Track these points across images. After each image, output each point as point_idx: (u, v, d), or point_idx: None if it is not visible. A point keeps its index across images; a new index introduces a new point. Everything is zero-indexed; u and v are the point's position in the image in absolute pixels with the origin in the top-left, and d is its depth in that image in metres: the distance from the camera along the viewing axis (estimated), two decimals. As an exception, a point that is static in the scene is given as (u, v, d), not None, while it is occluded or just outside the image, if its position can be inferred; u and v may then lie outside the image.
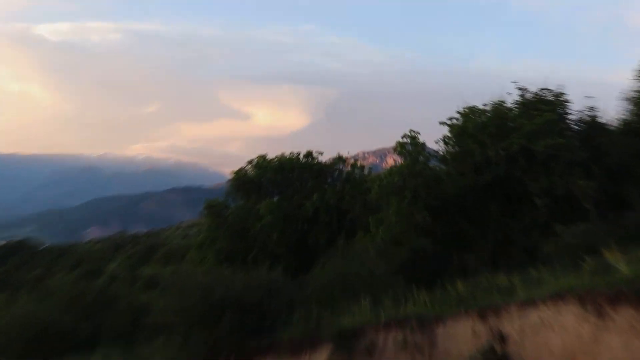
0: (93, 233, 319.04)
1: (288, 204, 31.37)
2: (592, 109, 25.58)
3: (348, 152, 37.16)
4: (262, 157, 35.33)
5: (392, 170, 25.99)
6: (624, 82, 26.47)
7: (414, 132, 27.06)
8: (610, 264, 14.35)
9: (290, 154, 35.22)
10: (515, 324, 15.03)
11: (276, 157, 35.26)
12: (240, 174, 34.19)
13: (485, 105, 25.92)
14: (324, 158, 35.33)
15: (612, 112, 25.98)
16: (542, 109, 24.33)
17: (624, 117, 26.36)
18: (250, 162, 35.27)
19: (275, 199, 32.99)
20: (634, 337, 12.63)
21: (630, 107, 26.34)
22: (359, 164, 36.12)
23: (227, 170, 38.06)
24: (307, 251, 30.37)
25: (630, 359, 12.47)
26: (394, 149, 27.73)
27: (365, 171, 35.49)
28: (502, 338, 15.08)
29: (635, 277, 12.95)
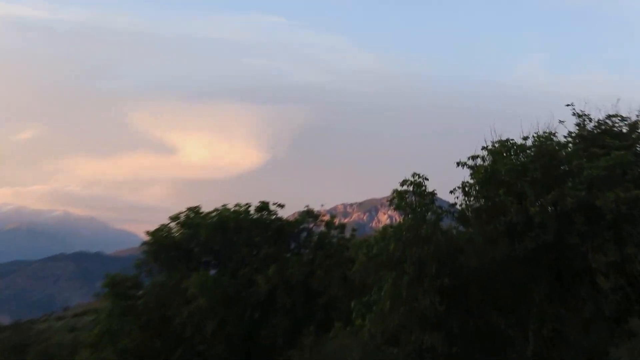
0: None
1: (231, 279, 31.15)
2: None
3: (322, 205, 37.49)
4: (194, 211, 35.25)
5: (387, 233, 25.91)
6: None
7: (419, 176, 27.16)
8: None
9: (237, 206, 35.23)
10: None
11: (215, 210, 35.20)
12: (159, 236, 34.03)
13: (525, 138, 26.24)
14: (287, 213, 35.49)
15: None
16: (611, 146, 24.65)
17: None
18: (175, 217, 35.16)
19: (212, 272, 32.82)
20: None
21: None
22: (337, 222, 36.25)
23: (140, 230, 37.81)
24: (258, 351, 30.07)
25: None
26: (390, 201, 27.75)
27: (347, 233, 35.59)
28: None
29: None
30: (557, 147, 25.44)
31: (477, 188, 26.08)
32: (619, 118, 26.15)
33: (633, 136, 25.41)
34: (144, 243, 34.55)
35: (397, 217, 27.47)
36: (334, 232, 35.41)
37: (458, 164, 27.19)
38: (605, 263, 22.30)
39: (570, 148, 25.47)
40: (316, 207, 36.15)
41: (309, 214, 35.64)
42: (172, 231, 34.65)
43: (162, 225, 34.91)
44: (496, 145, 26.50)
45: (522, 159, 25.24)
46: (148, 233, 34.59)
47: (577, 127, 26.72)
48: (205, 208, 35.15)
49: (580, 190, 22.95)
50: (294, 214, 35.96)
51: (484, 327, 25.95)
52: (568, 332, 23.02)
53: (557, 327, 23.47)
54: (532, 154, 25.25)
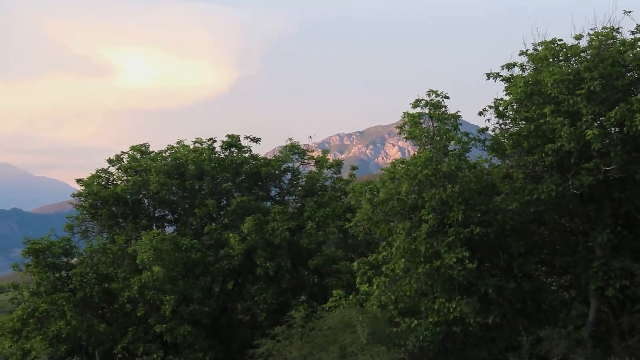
0: None
1: (194, 240, 31.19)
2: None
3: (311, 138, 37.37)
4: (141, 151, 35.11)
5: (397, 171, 26.01)
6: None
7: (436, 94, 26.98)
8: None
9: (197, 142, 35.10)
10: None
11: (169, 148, 35.08)
12: (96, 185, 33.92)
13: (578, 37, 25.92)
14: (264, 149, 35.53)
15: None
16: None
17: None
18: (116, 160, 35.04)
19: (169, 230, 32.85)
20: None
21: None
22: (331, 159, 36.23)
23: (69, 178, 37.81)
24: (233, 332, 30.25)
25: None
26: (400, 128, 27.73)
27: (345, 173, 35.64)
28: None
29: None
30: (621, 48, 25.15)
31: (514, 107, 25.88)
32: None
33: None
34: (76, 195, 34.47)
35: (411, 150, 27.49)
36: (327, 173, 35.42)
37: (489, 75, 26.99)
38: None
39: (639, 48, 25.24)
40: (303, 141, 36.09)
41: (293, 150, 35.51)
42: (113, 179, 34.51)
43: (99, 170, 34.83)
44: (539, 48, 26.27)
45: (575, 65, 25.06)
46: (81, 182, 34.42)
47: None
48: (155, 147, 35.08)
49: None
50: (274, 150, 35.97)
51: (528, 290, 26.17)
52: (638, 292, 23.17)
53: (625, 285, 23.60)
54: (589, 58, 25.09)
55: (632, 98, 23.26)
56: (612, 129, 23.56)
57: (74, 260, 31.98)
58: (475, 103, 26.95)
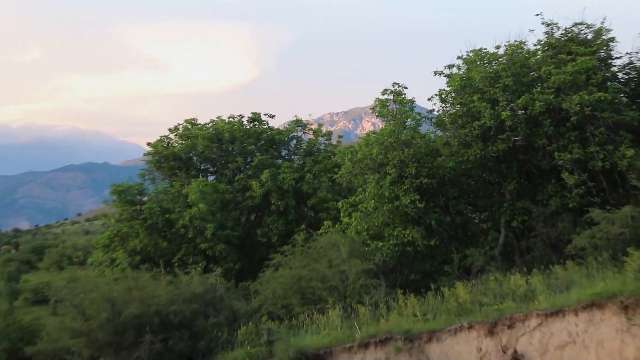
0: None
1: (228, 186, 31.35)
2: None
3: (310, 115, 37.41)
4: (191, 123, 35.16)
5: (370, 139, 26.08)
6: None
7: (399, 85, 27.15)
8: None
9: (231, 117, 35.14)
10: (535, 340, 15.38)
11: (210, 121, 35.12)
12: (160, 147, 33.98)
13: (497, 47, 26.18)
14: (277, 123, 35.52)
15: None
16: (577, 52, 24.60)
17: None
18: (174, 129, 35.06)
19: (210, 179, 32.92)
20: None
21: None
22: (324, 130, 36.26)
23: (142, 141, 37.74)
24: (254, 249, 30.46)
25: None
26: (372, 109, 27.87)
27: (334, 140, 35.65)
28: (516, 357, 15.45)
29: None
30: (527, 55, 25.44)
31: (453, 95, 26.11)
32: (585, 25, 25.97)
33: (598, 42, 25.25)
34: (147, 154, 34.52)
35: (380, 124, 27.49)
36: (321, 140, 35.50)
37: (435, 72, 27.22)
38: (570, 161, 22.55)
39: (539, 55, 25.35)
40: (304, 117, 36.15)
41: (297, 124, 35.61)
42: (172, 142, 34.58)
43: (162, 136, 34.88)
44: (470, 54, 26.47)
45: (494, 67, 25.19)
46: (150, 144, 34.52)
47: (545, 36, 26.55)
48: (201, 120, 35.15)
49: (548, 94, 23.04)
50: (284, 124, 35.92)
51: (459, 222, 26.38)
52: (535, 224, 23.34)
53: (525, 219, 23.82)
54: (504, 62, 25.23)
55: (533, 90, 23.61)
56: (519, 111, 23.73)
57: (145, 198, 32.08)
58: (425, 92, 26.96)
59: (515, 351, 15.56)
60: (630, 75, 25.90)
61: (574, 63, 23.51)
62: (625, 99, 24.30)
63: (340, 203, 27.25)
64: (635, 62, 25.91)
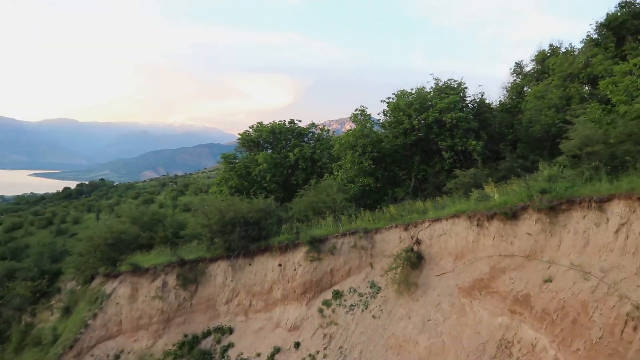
0: (147, 175, 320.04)
1: (277, 155, 31.19)
2: (481, 94, 26.03)
3: (319, 121, 36.82)
4: (260, 123, 34.76)
5: (348, 133, 25.90)
6: (503, 76, 26.82)
7: (363, 107, 26.88)
8: (488, 195, 14.86)
9: (279, 121, 34.74)
10: (427, 233, 15.57)
11: (269, 123, 34.74)
12: (244, 135, 33.61)
13: (412, 89, 25.82)
14: (302, 124, 35.04)
15: (494, 96, 26.25)
16: (450, 93, 24.34)
17: (501, 100, 27.75)
18: (251, 126, 34.74)
19: (269, 152, 32.80)
20: (500, 239, 13.26)
21: (506, 93, 28.12)
22: (325, 129, 35.91)
23: (236, 132, 37.42)
24: (290, 187, 30.51)
25: (497, 253, 13.15)
26: (350, 118, 27.61)
27: (330, 133, 35.34)
28: (418, 242, 15.65)
29: (503, 202, 13.48)
30: (426, 93, 25.03)
31: (390, 112, 25.74)
32: (453, 80, 25.69)
33: (459, 88, 25.11)
34: (238, 139, 34.32)
35: (353, 126, 27.26)
36: (324, 133, 35.11)
37: (382, 101, 26.75)
38: (446, 146, 22.48)
39: (432, 94, 24.97)
40: (316, 122, 35.63)
41: (312, 125, 35.01)
42: (250, 133, 34.23)
43: (246, 130, 34.58)
44: (398, 92, 25.98)
45: (410, 99, 24.81)
46: (239, 134, 34.27)
47: (435, 83, 26.14)
48: (265, 122, 34.57)
49: (435, 113, 22.78)
50: (306, 125, 35.49)
51: (391, 175, 26.35)
52: (429, 176, 23.33)
53: (424, 175, 23.79)
54: (415, 96, 24.83)
55: (429, 111, 23.24)
56: (422, 121, 23.39)
57: (237, 161, 31.94)
58: (377, 109, 26.65)
59: (417, 238, 15.76)
60: (474, 105, 25.70)
61: (448, 98, 23.27)
62: (471, 116, 24.06)
63: (333, 165, 27.15)
64: (476, 98, 25.72)
